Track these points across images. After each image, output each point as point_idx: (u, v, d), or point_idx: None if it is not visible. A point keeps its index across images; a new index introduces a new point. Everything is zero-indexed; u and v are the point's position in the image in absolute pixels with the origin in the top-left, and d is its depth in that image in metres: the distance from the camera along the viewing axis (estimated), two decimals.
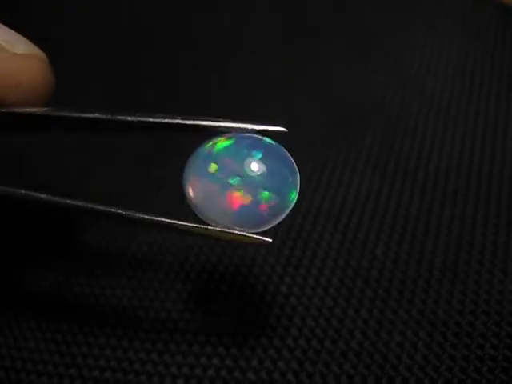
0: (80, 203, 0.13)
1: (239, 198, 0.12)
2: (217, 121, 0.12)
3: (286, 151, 0.13)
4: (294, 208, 0.19)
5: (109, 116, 0.13)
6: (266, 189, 0.12)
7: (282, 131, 0.12)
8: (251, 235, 0.12)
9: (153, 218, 0.13)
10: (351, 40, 0.26)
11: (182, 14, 0.29)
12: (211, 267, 0.18)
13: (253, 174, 0.12)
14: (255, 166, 0.12)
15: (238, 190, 0.12)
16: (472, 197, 0.19)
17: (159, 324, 0.17)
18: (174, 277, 0.18)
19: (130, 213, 0.13)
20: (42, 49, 0.14)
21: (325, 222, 0.19)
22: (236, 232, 0.12)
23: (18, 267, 0.19)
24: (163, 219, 0.13)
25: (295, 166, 0.13)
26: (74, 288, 0.18)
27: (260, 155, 0.12)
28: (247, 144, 0.12)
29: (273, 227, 0.13)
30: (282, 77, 0.25)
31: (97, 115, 0.13)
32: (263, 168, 0.12)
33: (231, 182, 0.12)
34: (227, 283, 0.18)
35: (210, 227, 0.12)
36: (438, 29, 0.26)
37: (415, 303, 0.17)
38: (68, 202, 0.13)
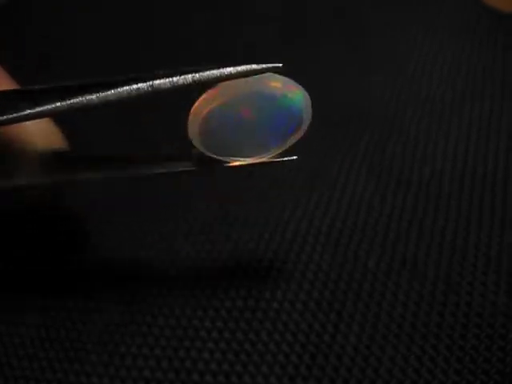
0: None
1: None
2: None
3: None
4: (284, 220, 0.19)
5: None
6: None
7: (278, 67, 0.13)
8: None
9: None
10: (351, 40, 0.26)
11: (181, 14, 0.29)
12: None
13: None
14: None
15: None
16: (465, 202, 0.19)
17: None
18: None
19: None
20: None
21: (317, 233, 0.19)
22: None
23: (18, 276, 0.19)
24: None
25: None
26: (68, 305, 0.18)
27: None
28: None
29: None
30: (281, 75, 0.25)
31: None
32: None
33: None
34: (218, 299, 0.18)
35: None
36: (431, 32, 0.26)
37: (407, 317, 0.17)
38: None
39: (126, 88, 0.12)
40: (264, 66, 0.13)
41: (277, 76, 0.13)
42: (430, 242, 0.18)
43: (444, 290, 0.17)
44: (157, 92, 0.12)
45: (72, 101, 0.12)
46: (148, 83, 0.12)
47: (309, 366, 0.16)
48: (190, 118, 0.13)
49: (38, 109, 0.12)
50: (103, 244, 0.20)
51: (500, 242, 0.18)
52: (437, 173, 0.20)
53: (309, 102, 0.13)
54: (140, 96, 0.12)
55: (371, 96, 0.23)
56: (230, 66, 0.12)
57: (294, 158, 0.14)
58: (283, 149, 0.14)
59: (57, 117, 0.17)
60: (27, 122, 0.13)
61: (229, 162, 0.14)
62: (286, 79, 0.13)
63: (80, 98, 0.12)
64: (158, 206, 0.20)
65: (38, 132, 0.17)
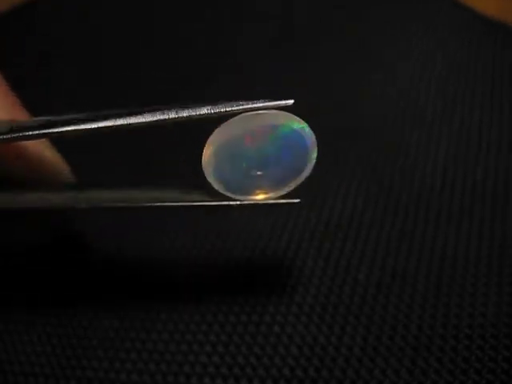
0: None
1: None
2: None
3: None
4: (276, 234, 0.19)
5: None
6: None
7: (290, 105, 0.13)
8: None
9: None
10: (339, 55, 0.26)
11: (181, 11, 0.29)
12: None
13: None
14: None
15: None
16: (455, 215, 0.20)
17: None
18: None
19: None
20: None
21: (308, 247, 0.19)
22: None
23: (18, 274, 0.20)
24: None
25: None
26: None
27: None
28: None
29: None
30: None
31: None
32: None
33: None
34: (211, 313, 0.18)
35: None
36: (420, 41, 0.26)
37: (398, 329, 0.17)
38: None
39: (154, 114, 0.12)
40: (277, 102, 0.13)
41: (283, 112, 0.13)
42: (419, 255, 0.18)
43: (434, 303, 0.17)
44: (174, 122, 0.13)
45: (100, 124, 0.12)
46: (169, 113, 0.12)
47: (300, 379, 0.16)
48: (205, 150, 0.13)
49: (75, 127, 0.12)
50: (104, 258, 0.20)
51: (490, 253, 0.18)
52: (427, 184, 0.20)
53: (314, 138, 0.13)
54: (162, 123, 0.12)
55: (358, 109, 0.24)
56: (245, 103, 0.13)
57: (297, 200, 0.14)
58: (296, 185, 0.14)
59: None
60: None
61: (239, 201, 0.14)
62: (290, 114, 0.13)
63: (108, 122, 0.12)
64: (158, 221, 0.21)
65: (51, 160, 0.17)
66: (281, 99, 0.13)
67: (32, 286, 0.19)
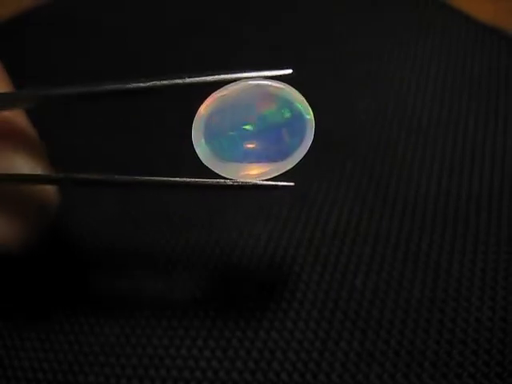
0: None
1: None
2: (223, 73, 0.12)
3: None
4: (274, 240, 0.20)
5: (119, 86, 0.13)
6: None
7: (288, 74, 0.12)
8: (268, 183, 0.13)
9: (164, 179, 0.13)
10: (332, 64, 0.27)
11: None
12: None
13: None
14: None
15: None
16: (450, 221, 0.20)
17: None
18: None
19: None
20: None
21: (305, 253, 0.19)
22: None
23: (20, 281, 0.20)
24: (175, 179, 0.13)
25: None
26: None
27: None
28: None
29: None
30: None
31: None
32: None
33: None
34: (210, 319, 0.18)
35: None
36: (417, 47, 0.27)
37: (393, 334, 0.17)
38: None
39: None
40: (276, 72, 0.12)
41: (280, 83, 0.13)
42: (415, 261, 0.19)
43: (429, 307, 0.18)
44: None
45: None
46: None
47: (298, 383, 0.17)
48: (194, 123, 0.13)
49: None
50: (102, 268, 0.20)
51: (484, 258, 0.19)
52: (422, 192, 0.21)
53: (312, 115, 0.13)
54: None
55: (355, 120, 0.24)
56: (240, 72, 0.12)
57: (292, 184, 0.13)
58: (291, 165, 0.13)
59: None
60: None
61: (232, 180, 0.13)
62: (292, 89, 0.13)
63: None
64: (156, 235, 0.21)
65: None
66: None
67: (34, 292, 0.20)
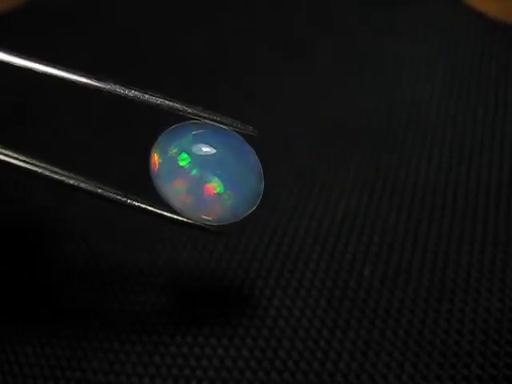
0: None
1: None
2: (188, 106, 0.12)
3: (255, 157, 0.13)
4: (281, 229, 0.19)
5: None
6: (216, 175, 0.12)
7: (253, 132, 0.12)
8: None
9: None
10: (341, 57, 0.26)
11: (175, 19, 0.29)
12: (198, 291, 0.18)
13: (201, 154, 0.12)
14: (206, 148, 0.12)
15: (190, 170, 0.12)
16: (459, 212, 0.20)
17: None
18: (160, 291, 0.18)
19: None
20: None
21: (313, 242, 0.19)
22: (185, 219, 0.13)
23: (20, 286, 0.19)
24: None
25: (262, 175, 0.13)
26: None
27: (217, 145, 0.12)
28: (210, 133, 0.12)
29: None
30: (272, 93, 0.25)
31: None
32: (214, 151, 0.12)
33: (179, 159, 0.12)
34: (217, 305, 0.18)
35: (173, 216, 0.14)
36: (423, 43, 0.26)
37: (402, 323, 0.17)
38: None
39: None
40: (240, 125, 0.12)
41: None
42: (424, 251, 0.19)
43: (438, 297, 0.17)
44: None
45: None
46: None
47: (305, 372, 0.16)
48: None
49: None
50: (98, 280, 0.20)
51: (493, 250, 0.18)
52: (431, 183, 0.21)
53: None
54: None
55: (362, 112, 0.24)
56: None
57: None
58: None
59: None
60: None
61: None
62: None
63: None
64: (154, 242, 0.20)
65: None
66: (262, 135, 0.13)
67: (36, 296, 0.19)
